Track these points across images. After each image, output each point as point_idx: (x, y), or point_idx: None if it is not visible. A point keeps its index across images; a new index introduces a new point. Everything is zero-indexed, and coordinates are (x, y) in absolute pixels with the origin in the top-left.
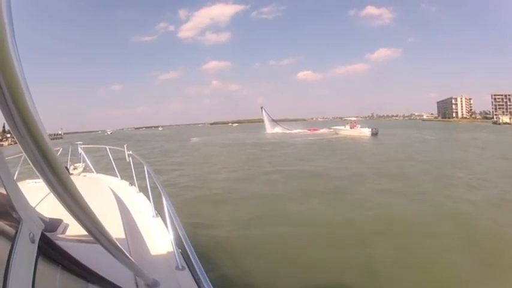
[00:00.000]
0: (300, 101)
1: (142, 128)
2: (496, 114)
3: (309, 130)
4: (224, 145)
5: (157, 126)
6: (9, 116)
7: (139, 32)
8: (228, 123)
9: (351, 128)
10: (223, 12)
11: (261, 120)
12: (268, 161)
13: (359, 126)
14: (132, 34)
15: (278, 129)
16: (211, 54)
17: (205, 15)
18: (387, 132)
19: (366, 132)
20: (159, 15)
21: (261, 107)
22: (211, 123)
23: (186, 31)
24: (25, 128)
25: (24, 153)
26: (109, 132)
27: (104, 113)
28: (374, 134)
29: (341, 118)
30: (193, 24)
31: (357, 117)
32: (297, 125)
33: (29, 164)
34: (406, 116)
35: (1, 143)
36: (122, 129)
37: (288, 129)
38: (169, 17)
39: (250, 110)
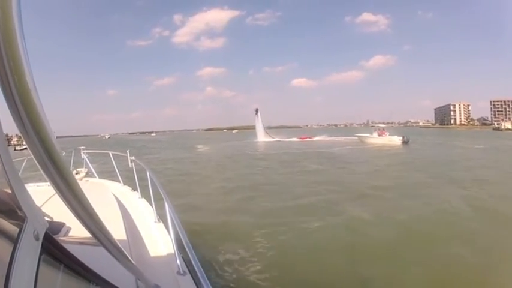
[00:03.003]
0: (295, 108)
1: (136, 133)
2: (496, 121)
3: (300, 138)
4: (250, 157)
5: (151, 132)
6: (18, 118)
7: (134, 37)
8: (223, 129)
9: (379, 135)
10: (218, 17)
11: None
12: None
13: (387, 133)
14: (127, 39)
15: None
16: (205, 60)
17: (200, 20)
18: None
19: (397, 140)
20: (154, 20)
21: (256, 109)
22: (206, 130)
23: (181, 36)
24: (33, 130)
25: (32, 155)
26: (107, 137)
27: (99, 117)
28: (405, 142)
29: (335, 125)
30: (188, 30)
31: (351, 124)
32: (290, 133)
33: (30, 168)
34: (402, 123)
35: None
36: (116, 134)
37: (272, 137)
38: (165, 21)
39: (245, 116)
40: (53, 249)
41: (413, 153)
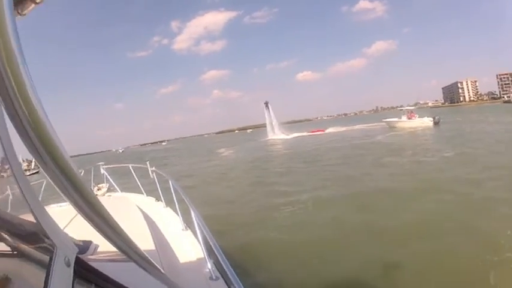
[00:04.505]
0: (303, 102)
1: (147, 144)
2: (505, 94)
3: (312, 132)
4: (294, 157)
5: (162, 141)
6: (30, 144)
7: (134, 48)
8: (235, 130)
9: (408, 118)
10: (216, 20)
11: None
12: None
13: (417, 115)
14: (126, 51)
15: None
16: (208, 64)
17: (198, 24)
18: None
19: (428, 121)
20: (151, 29)
21: (266, 102)
22: (217, 133)
23: (181, 43)
24: (47, 153)
25: (48, 178)
26: (120, 151)
27: (109, 132)
28: (436, 123)
29: (345, 115)
30: (187, 35)
31: (361, 112)
32: (302, 127)
33: (49, 189)
34: (411, 105)
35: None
36: (128, 146)
37: (286, 134)
38: (162, 30)
39: (255, 115)
40: (84, 272)
41: (474, 131)
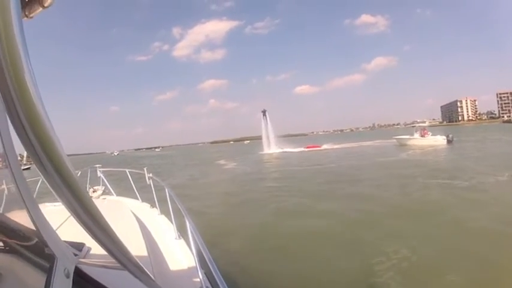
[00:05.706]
0: (299, 116)
1: (142, 149)
2: (504, 113)
3: (308, 147)
4: (330, 175)
5: (157, 147)
6: (26, 141)
7: (134, 52)
8: (230, 141)
9: (421, 136)
10: (217, 28)
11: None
12: None
13: (430, 133)
14: (126, 54)
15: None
16: (207, 73)
17: (199, 32)
18: None
19: (441, 140)
20: (153, 34)
21: (263, 111)
22: (211, 142)
23: (181, 49)
24: (44, 152)
25: (43, 177)
26: (115, 154)
27: (104, 134)
28: (450, 141)
29: (341, 130)
30: (188, 43)
31: (357, 128)
32: (300, 141)
33: (46, 186)
34: (408, 124)
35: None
36: (123, 150)
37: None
38: (163, 35)
39: (250, 127)
40: (82, 281)
41: (501, 152)
